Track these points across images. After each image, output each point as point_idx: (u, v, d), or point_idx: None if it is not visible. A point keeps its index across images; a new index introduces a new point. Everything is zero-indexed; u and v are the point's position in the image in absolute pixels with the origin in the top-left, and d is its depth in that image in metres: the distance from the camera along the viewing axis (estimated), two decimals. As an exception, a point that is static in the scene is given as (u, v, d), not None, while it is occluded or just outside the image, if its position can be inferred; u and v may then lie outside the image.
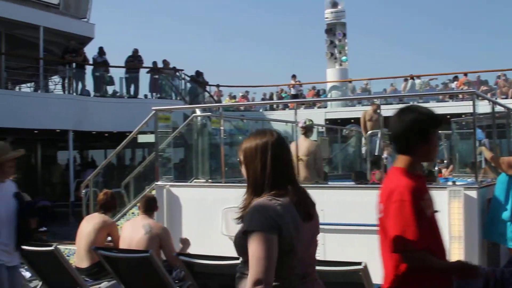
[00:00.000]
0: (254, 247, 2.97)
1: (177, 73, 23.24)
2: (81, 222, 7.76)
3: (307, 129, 10.21)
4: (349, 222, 7.76)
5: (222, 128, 10.49)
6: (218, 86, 28.41)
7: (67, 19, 23.36)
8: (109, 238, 7.65)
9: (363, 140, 14.45)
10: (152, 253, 6.22)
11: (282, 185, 3.16)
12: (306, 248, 3.20)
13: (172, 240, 7.34)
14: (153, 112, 10.46)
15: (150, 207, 7.53)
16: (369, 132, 13.75)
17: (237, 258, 5.38)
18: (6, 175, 5.65)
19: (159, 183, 9.84)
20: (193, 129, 12.20)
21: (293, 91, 27.94)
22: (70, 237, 12.44)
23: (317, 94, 28.43)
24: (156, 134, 10.48)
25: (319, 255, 7.32)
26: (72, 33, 23.09)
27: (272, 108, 26.79)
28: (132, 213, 11.31)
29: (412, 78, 26.54)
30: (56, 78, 22.57)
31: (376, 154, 12.56)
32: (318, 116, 21.58)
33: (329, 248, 7.46)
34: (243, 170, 3.25)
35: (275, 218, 3.01)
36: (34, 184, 23.15)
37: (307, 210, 3.21)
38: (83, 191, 12.16)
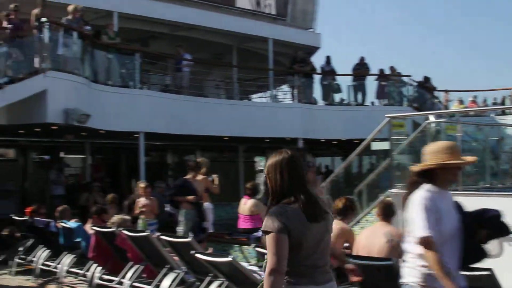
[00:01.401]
0: (269, 244, 3.82)
1: (405, 79, 22.84)
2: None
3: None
4: None
5: (459, 134, 10.09)
6: (446, 91, 27.49)
7: (294, 30, 23.93)
8: (346, 245, 7.57)
9: None
10: (396, 262, 6.05)
11: (294, 194, 3.94)
12: (314, 245, 3.94)
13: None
14: (387, 119, 10.33)
15: (388, 213, 7.37)
16: None
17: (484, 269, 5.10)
18: (449, 182, 4.77)
19: (394, 190, 9.63)
20: (427, 136, 11.83)
21: (527, 94, 26.24)
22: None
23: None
24: (390, 141, 10.31)
25: None
26: (299, 43, 23.62)
27: (504, 113, 25.35)
28: (366, 220, 11.22)
29: None
30: (285, 88, 23.21)
31: None
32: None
33: None
34: (268, 182, 4.08)
35: (285, 222, 3.82)
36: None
37: (314, 214, 3.92)
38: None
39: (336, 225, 7.39)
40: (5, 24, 14.54)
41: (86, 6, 16.54)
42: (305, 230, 3.87)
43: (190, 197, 11.98)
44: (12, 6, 14.63)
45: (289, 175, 3.99)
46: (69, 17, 15.35)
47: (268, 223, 3.86)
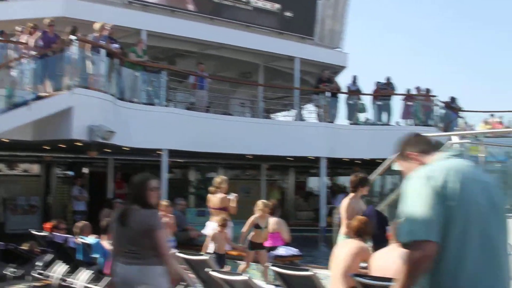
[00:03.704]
0: None
1: (430, 99, 22.70)
2: (335, 248, 7.70)
3: None
4: None
5: (481, 155, 9.98)
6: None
7: (321, 49, 23.98)
8: (363, 265, 7.48)
9: None
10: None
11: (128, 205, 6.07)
12: (123, 239, 5.91)
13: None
14: (410, 139, 10.20)
15: (402, 234, 7.27)
16: None
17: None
18: None
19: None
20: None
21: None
22: (319, 262, 12.58)
23: None
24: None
25: None
26: (326, 63, 23.65)
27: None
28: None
29: None
30: (310, 107, 23.23)
31: None
32: None
33: None
34: None
35: (110, 221, 6.59)
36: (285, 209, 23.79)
37: (121, 220, 5.93)
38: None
39: (353, 244, 7.33)
40: (30, 41, 14.76)
41: (115, 24, 16.71)
42: (116, 228, 5.99)
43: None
44: (47, 21, 14.84)
45: (130, 193, 6.24)
46: (96, 34, 15.53)
47: None
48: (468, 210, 3.40)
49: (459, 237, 3.37)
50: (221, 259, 10.69)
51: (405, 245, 3.40)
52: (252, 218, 11.49)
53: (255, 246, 11.46)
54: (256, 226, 11.41)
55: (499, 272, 3.46)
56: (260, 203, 11.53)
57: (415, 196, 3.42)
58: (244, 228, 11.52)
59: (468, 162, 3.70)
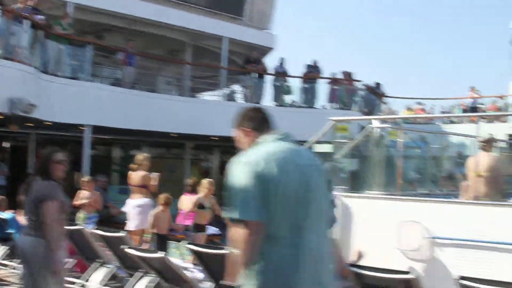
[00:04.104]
0: None
1: (355, 84, 23.06)
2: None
3: (488, 144, 9.66)
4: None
5: (400, 140, 10.23)
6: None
7: (250, 30, 23.96)
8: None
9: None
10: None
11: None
12: (25, 212, 6.49)
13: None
14: (331, 122, 10.43)
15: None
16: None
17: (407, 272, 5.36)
18: None
19: (333, 193, 9.70)
20: (370, 140, 11.96)
21: (471, 104, 26.69)
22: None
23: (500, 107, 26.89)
24: (333, 144, 10.42)
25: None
26: (254, 43, 23.65)
27: (452, 122, 25.85)
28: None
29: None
30: (237, 87, 23.28)
31: None
32: (499, 130, 20.34)
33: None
34: None
35: None
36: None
37: (26, 190, 6.08)
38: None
39: None
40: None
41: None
42: (24, 199, 6.39)
43: None
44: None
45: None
46: (20, 5, 15.12)
47: None
48: (283, 195, 3.47)
49: (274, 220, 3.45)
50: (163, 240, 10.51)
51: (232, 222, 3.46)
52: (195, 198, 11.44)
53: (199, 228, 11.42)
54: (200, 207, 11.34)
55: (309, 258, 3.52)
56: (205, 182, 11.44)
57: (238, 180, 3.47)
58: (187, 208, 11.51)
59: (291, 146, 3.73)
